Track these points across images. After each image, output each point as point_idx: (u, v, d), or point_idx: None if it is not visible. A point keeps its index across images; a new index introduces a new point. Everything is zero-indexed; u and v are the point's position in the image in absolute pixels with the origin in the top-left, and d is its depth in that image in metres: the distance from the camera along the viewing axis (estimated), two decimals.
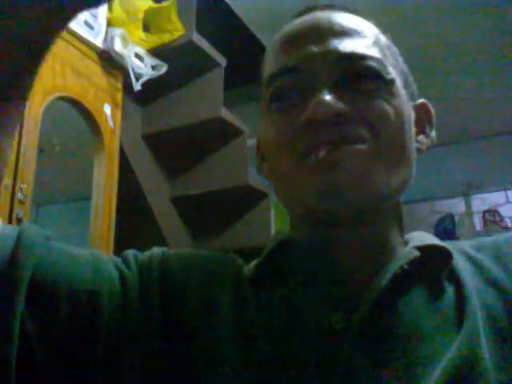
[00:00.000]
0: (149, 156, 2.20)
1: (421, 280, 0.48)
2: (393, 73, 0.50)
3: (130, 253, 0.53)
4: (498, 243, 0.53)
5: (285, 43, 0.52)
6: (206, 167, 2.23)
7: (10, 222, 1.31)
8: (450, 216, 3.99)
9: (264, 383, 0.44)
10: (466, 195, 3.98)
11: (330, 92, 0.47)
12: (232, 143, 2.18)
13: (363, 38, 0.51)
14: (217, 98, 2.09)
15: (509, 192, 3.95)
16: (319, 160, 0.46)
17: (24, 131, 1.39)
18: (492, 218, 3.88)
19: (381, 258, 0.49)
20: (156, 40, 1.93)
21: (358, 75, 0.48)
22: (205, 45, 2.08)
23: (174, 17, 1.95)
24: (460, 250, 0.53)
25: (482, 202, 3.95)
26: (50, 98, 1.53)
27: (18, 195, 1.34)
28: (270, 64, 0.53)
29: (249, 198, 2.16)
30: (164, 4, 1.94)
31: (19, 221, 1.33)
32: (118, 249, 2.04)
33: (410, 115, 0.52)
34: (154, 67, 1.89)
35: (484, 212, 3.92)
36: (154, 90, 2.00)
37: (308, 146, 0.47)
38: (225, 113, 2.06)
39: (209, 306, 0.49)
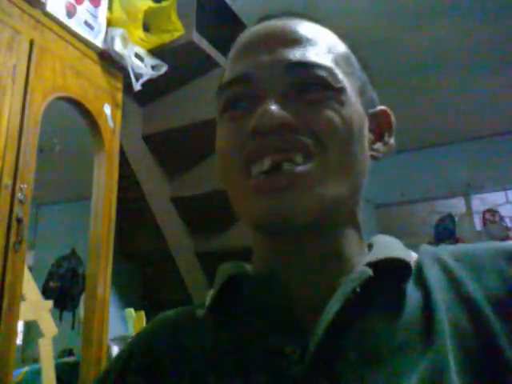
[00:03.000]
0: (149, 156, 2.20)
1: (379, 296, 0.47)
2: (344, 81, 0.50)
3: None
4: (479, 254, 0.50)
5: (237, 53, 0.53)
6: (205, 167, 2.23)
7: (9, 221, 1.31)
8: (450, 216, 3.98)
9: None
10: (466, 195, 3.98)
11: (277, 102, 0.47)
12: None
13: (314, 46, 0.50)
14: None
15: (509, 192, 3.95)
16: (263, 174, 0.46)
17: (24, 131, 1.39)
18: (492, 218, 3.88)
19: (335, 274, 0.48)
20: (156, 40, 1.93)
21: (306, 84, 0.48)
22: (205, 45, 2.08)
23: (174, 17, 1.95)
24: (436, 258, 0.51)
25: (481, 201, 3.95)
26: (50, 98, 1.53)
27: (18, 195, 1.34)
28: (225, 74, 0.53)
29: None
30: (164, 4, 1.94)
31: (19, 221, 1.33)
32: (118, 249, 2.04)
33: (363, 123, 0.51)
34: (153, 67, 1.89)
35: (484, 212, 3.91)
36: (154, 90, 2.00)
37: (253, 155, 0.47)
38: None
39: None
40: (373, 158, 0.53)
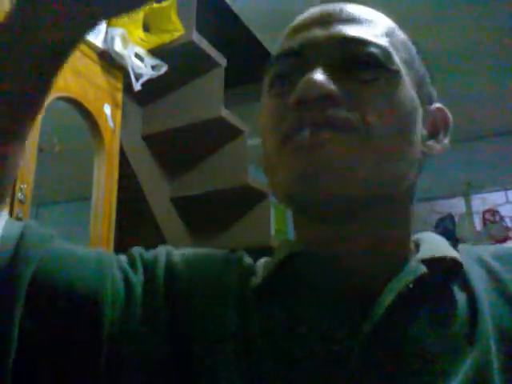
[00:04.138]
0: (149, 156, 2.19)
1: (429, 294, 0.46)
2: (399, 64, 0.47)
3: (137, 252, 0.51)
4: None
5: (292, 29, 0.51)
6: (206, 167, 2.23)
7: None
8: (450, 216, 3.98)
9: None
10: (466, 195, 3.98)
11: (326, 73, 0.44)
12: (232, 143, 2.18)
13: (372, 27, 0.48)
14: (217, 97, 2.09)
15: (509, 192, 3.95)
16: (302, 141, 0.44)
17: None
18: (492, 217, 3.88)
19: (385, 265, 0.47)
20: (156, 40, 1.93)
21: (359, 62, 0.46)
22: (205, 45, 2.08)
23: (174, 17, 1.95)
24: (477, 258, 0.50)
25: (482, 201, 3.95)
26: (50, 97, 1.53)
27: (18, 195, 1.34)
28: (276, 51, 0.51)
29: (249, 198, 2.16)
30: (164, 4, 1.94)
31: (19, 221, 1.33)
32: (118, 249, 2.04)
33: (415, 112, 0.48)
34: (153, 67, 1.89)
35: (484, 212, 3.91)
36: (154, 90, 2.00)
37: (292, 127, 0.45)
38: (225, 113, 2.06)
39: (213, 319, 0.47)
40: (424, 153, 0.50)
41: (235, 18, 2.26)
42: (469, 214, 3.98)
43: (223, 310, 0.47)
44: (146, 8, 1.86)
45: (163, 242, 2.14)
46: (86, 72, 1.68)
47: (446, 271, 0.47)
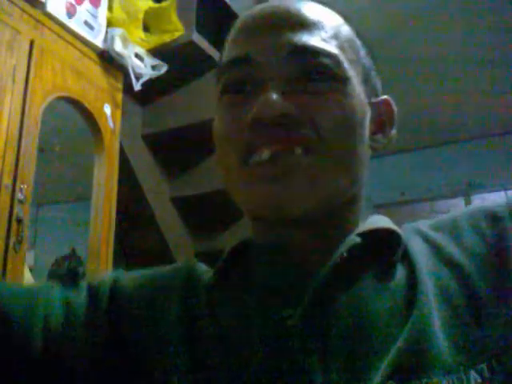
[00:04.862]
0: (149, 156, 2.20)
1: (369, 266, 0.47)
2: (349, 70, 0.48)
3: (85, 280, 0.54)
4: (455, 220, 0.52)
5: (240, 33, 0.51)
6: (206, 167, 2.23)
7: (9, 221, 1.31)
8: None
9: None
10: (467, 195, 3.98)
11: (280, 90, 0.45)
12: None
13: (320, 30, 0.49)
14: (217, 98, 2.09)
15: (509, 192, 3.95)
16: (262, 164, 0.45)
17: (24, 131, 1.39)
18: None
19: (331, 248, 0.48)
20: (156, 40, 1.93)
21: (310, 71, 0.47)
22: (205, 45, 2.08)
23: (174, 17, 1.95)
24: (416, 231, 0.52)
25: (482, 202, 3.94)
26: (50, 98, 1.53)
27: (18, 195, 1.34)
28: (225, 54, 0.52)
29: None
30: (164, 4, 1.94)
31: (19, 221, 1.33)
32: (118, 249, 2.04)
33: (365, 114, 0.50)
34: (153, 67, 1.89)
35: None
36: (154, 90, 2.00)
37: (251, 146, 0.46)
38: None
39: (155, 324, 0.49)
40: (372, 148, 0.52)
41: (235, 18, 2.26)
42: None
43: (166, 318, 0.49)
44: (146, 8, 1.86)
45: (163, 242, 2.15)
46: (86, 72, 1.68)
47: (385, 243, 0.49)
